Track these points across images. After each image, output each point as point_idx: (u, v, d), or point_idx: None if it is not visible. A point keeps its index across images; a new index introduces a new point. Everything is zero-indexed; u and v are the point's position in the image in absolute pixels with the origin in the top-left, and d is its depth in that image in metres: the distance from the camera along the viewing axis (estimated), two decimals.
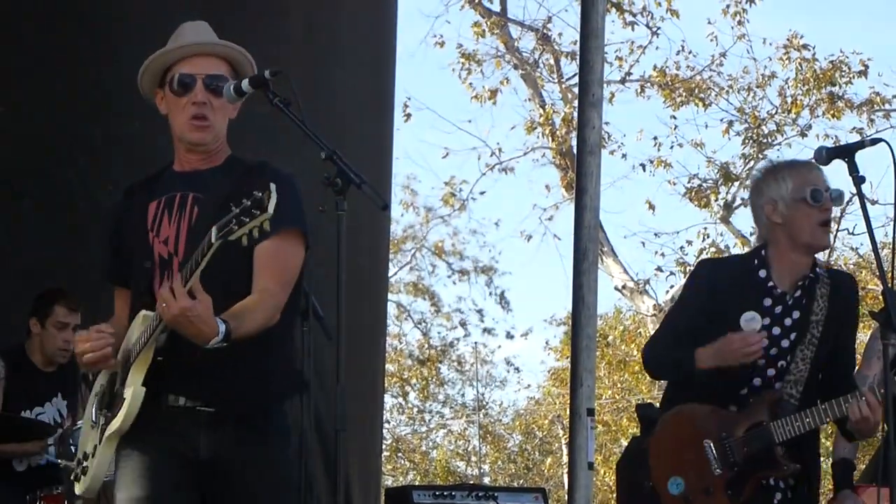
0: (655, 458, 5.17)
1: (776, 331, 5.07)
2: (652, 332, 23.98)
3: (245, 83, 4.17)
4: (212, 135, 4.31)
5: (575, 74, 18.46)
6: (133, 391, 4.11)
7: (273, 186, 3.76)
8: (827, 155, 4.95)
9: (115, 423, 4.17)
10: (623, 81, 22.36)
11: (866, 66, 21.23)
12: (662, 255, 22.22)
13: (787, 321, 5.08)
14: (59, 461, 6.65)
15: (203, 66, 4.30)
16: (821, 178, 5.08)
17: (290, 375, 4.35)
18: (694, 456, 5.04)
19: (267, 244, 4.09)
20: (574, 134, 17.47)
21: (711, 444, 5.04)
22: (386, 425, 26.60)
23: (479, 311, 29.63)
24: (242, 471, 4.18)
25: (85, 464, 4.35)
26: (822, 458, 5.42)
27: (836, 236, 20.78)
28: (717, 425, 5.04)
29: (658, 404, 5.45)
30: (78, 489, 4.40)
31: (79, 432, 5.39)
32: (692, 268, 5.72)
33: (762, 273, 5.11)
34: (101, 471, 4.28)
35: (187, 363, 4.11)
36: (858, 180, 4.84)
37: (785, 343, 5.07)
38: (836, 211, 5.20)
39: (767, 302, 5.09)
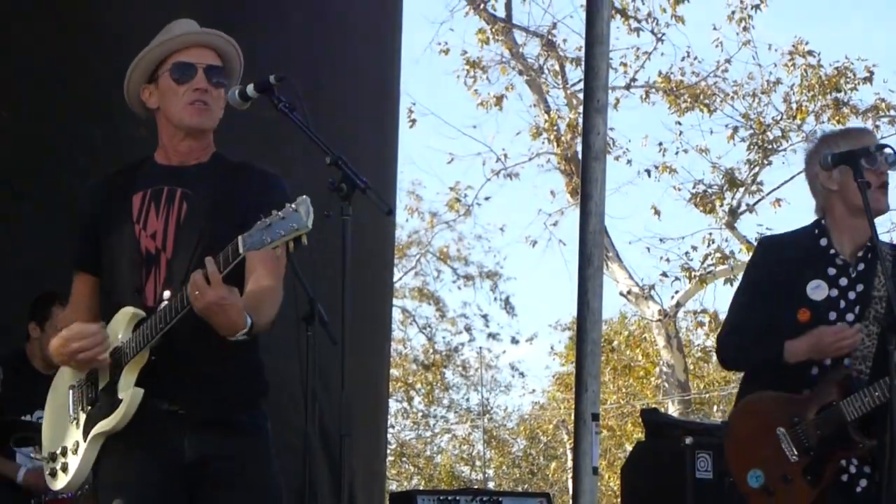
0: (731, 454, 5.13)
1: (842, 304, 5.00)
2: (657, 334, 23.68)
3: (250, 88, 4.18)
4: (211, 120, 4.29)
5: (580, 80, 18.45)
6: (132, 392, 4.08)
7: (307, 198, 3.74)
8: (832, 160, 4.93)
9: (108, 423, 4.13)
10: (628, 87, 22.40)
11: (871, 73, 21.30)
12: (667, 260, 22.27)
13: (851, 294, 5.01)
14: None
15: (200, 56, 4.29)
16: (875, 142, 4.99)
17: (262, 376, 4.33)
18: (768, 445, 4.97)
19: None
20: (579, 139, 17.44)
21: (784, 432, 4.96)
22: (390, 430, 26.62)
23: (484, 317, 29.71)
24: (228, 469, 4.14)
25: (64, 460, 4.28)
26: None
27: None
28: (788, 411, 4.96)
29: (662, 409, 5.43)
30: (55, 485, 4.31)
31: None
32: (755, 247, 5.62)
33: (823, 241, 5.06)
34: (86, 468, 4.21)
35: (176, 364, 4.09)
36: (863, 186, 4.82)
37: (850, 317, 4.99)
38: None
39: (832, 271, 5.02)
